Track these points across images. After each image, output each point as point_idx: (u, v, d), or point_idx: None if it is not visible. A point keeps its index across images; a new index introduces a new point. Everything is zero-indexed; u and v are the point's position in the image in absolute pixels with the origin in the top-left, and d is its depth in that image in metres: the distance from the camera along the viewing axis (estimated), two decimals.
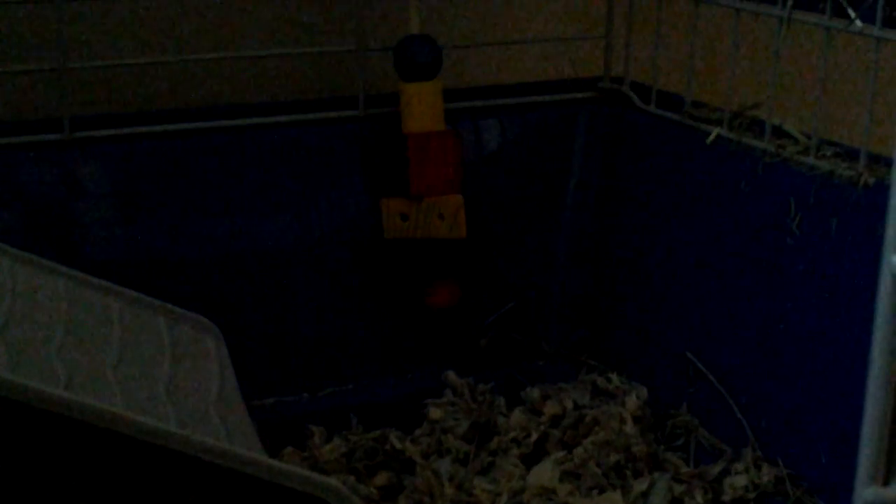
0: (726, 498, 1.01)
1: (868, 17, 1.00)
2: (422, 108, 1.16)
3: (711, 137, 1.11)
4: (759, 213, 1.06)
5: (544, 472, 1.04)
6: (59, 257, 1.06)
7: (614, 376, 1.17)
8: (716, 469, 1.03)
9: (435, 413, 1.13)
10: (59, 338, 0.95)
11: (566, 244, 1.25)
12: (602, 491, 1.02)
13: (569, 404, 1.13)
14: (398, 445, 1.09)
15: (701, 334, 1.12)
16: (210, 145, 1.13)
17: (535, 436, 1.10)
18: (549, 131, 1.25)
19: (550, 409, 1.13)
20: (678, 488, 1.01)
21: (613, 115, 1.24)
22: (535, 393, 1.15)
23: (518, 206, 1.24)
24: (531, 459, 1.09)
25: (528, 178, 1.24)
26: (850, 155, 1.02)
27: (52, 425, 0.89)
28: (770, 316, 1.05)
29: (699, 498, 1.00)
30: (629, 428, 1.08)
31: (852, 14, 1.01)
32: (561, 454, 1.07)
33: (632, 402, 1.11)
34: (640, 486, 1.02)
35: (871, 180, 0.97)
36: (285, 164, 1.16)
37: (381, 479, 1.07)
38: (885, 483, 0.47)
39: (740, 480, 1.01)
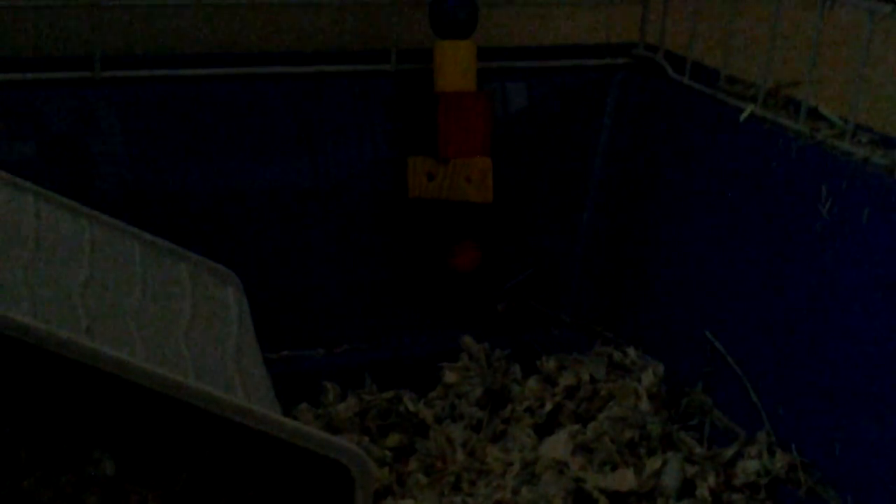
0: (738, 482, 1.00)
1: None
2: (455, 67, 1.14)
3: (745, 115, 1.10)
4: (788, 195, 1.05)
5: (557, 445, 1.04)
6: (81, 197, 1.05)
7: (631, 350, 1.16)
8: (729, 452, 1.03)
9: (450, 377, 1.13)
10: (83, 280, 0.94)
11: (590, 213, 1.24)
12: (615, 467, 1.01)
13: (584, 376, 1.13)
14: (412, 408, 1.09)
15: (721, 314, 1.11)
16: (238, 92, 1.12)
17: (549, 406, 1.10)
18: (580, 96, 1.23)
19: (566, 380, 1.12)
20: (691, 469, 1.01)
21: (645, 84, 1.23)
22: (550, 363, 1.15)
23: (544, 171, 1.23)
24: (543, 430, 1.09)
25: (556, 142, 1.23)
26: (887, 143, 1.00)
27: (71, 372, 0.88)
28: (793, 301, 1.04)
29: (711, 481, 1.00)
30: (644, 405, 1.08)
31: None
32: (575, 427, 1.07)
33: (648, 378, 1.11)
34: (653, 464, 1.01)
35: None
36: (313, 115, 1.15)
37: (394, 440, 1.06)
38: None
39: (753, 465, 1.01)
